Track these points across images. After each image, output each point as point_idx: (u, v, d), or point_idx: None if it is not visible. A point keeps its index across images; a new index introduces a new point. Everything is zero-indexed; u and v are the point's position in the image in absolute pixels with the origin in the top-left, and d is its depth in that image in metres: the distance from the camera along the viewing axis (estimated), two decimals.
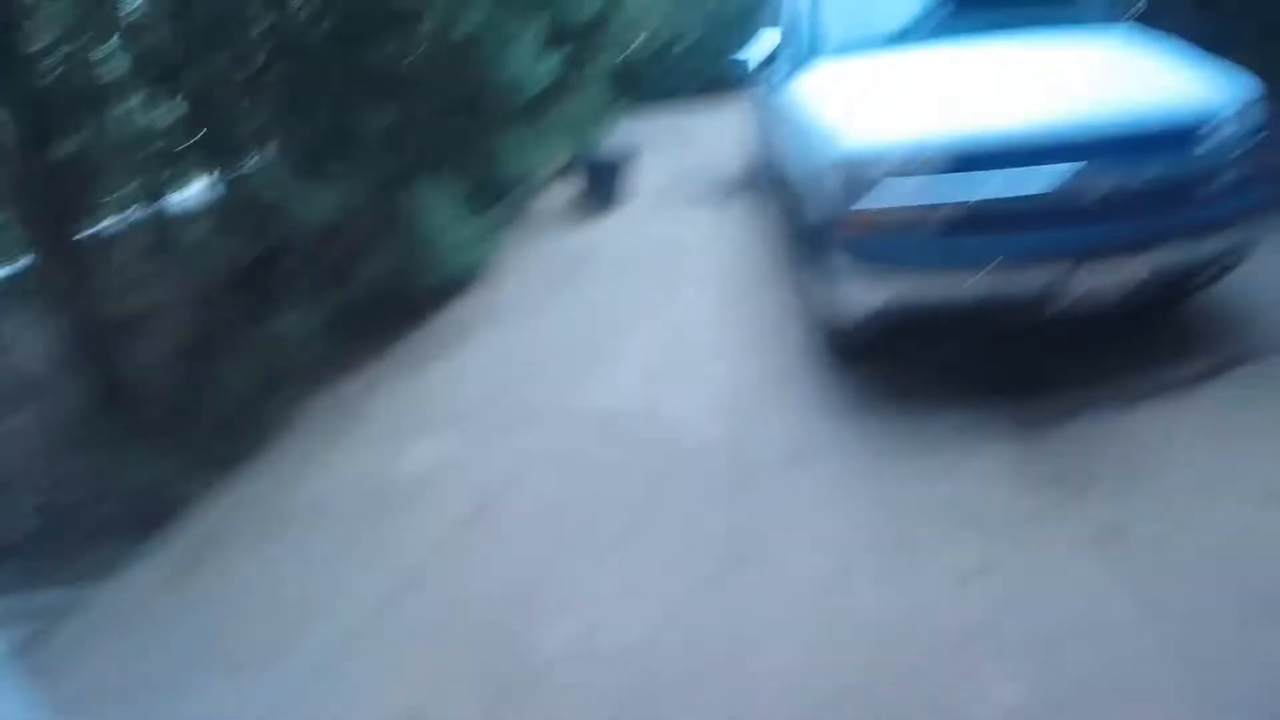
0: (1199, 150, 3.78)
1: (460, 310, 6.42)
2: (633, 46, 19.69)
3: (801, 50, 5.33)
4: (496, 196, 7.95)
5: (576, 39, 9.74)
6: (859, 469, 3.69)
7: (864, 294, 3.89)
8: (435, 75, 7.20)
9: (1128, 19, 5.30)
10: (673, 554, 3.33)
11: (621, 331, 5.54)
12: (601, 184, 9.02)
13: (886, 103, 4.13)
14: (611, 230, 8.23)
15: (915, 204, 3.70)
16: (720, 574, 3.19)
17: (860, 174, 3.75)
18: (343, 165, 6.21)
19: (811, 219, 4.32)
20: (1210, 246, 3.87)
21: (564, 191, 9.49)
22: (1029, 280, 3.69)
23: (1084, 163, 3.61)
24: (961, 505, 3.35)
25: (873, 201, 3.74)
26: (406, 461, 4.34)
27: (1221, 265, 4.03)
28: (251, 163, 5.64)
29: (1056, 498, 3.32)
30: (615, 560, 3.36)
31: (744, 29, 16.49)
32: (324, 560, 3.72)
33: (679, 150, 11.51)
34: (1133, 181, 3.67)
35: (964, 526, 3.24)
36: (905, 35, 5.10)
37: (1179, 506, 3.19)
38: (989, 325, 4.02)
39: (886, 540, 3.23)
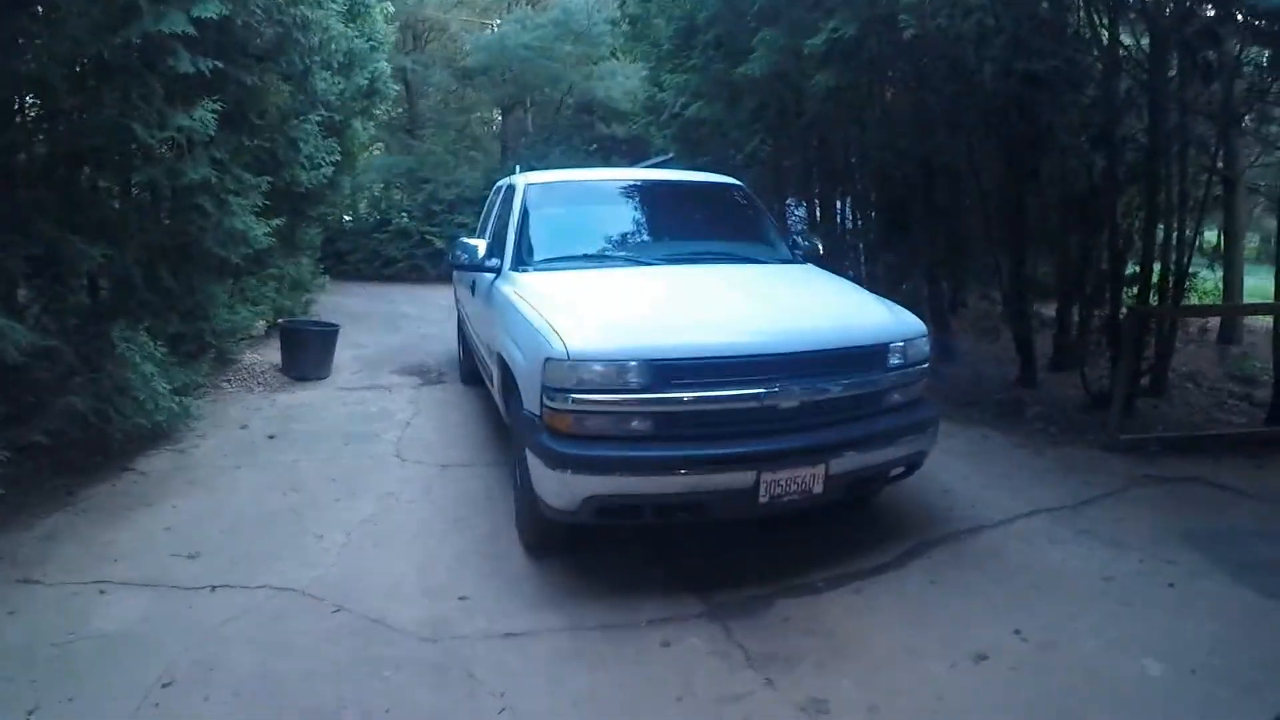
0: (879, 370, 4.43)
1: (156, 463, 6.06)
2: (354, 217, 19.88)
3: (520, 254, 5.64)
4: (204, 349, 7.70)
5: (293, 207, 9.78)
6: (568, 650, 3.78)
7: (567, 486, 4.07)
8: (152, 219, 7.02)
9: (805, 258, 6.03)
10: None
11: (324, 501, 5.46)
12: (309, 351, 8.92)
13: (596, 313, 4.46)
14: (319, 399, 8.13)
15: (618, 407, 4.03)
16: None
17: (568, 376, 4.03)
18: (41, 297, 5.89)
19: (519, 412, 4.52)
20: (892, 453, 4.47)
21: (271, 355, 9.27)
22: (727, 481, 4.04)
23: (776, 377, 4.09)
24: (675, 684, 3.51)
25: (578, 402, 4.03)
26: (96, 619, 3.97)
27: (904, 468, 4.65)
28: None
29: (766, 675, 3.56)
30: None
31: (466, 214, 17.12)
32: None
33: (391, 326, 11.62)
34: (819, 396, 4.20)
35: (680, 702, 3.40)
36: (609, 257, 5.58)
37: (882, 676, 3.54)
38: (691, 519, 4.27)
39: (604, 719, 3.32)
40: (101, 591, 4.27)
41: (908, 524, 4.96)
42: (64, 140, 5.94)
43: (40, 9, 5.41)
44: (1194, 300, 7.63)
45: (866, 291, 5.32)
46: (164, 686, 3.50)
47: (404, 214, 19.46)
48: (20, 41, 5.39)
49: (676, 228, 6.27)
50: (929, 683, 3.47)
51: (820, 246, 6.39)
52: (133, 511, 5.23)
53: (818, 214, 10.99)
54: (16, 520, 4.99)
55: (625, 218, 6.21)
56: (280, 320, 9.83)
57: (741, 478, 4.03)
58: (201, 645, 3.79)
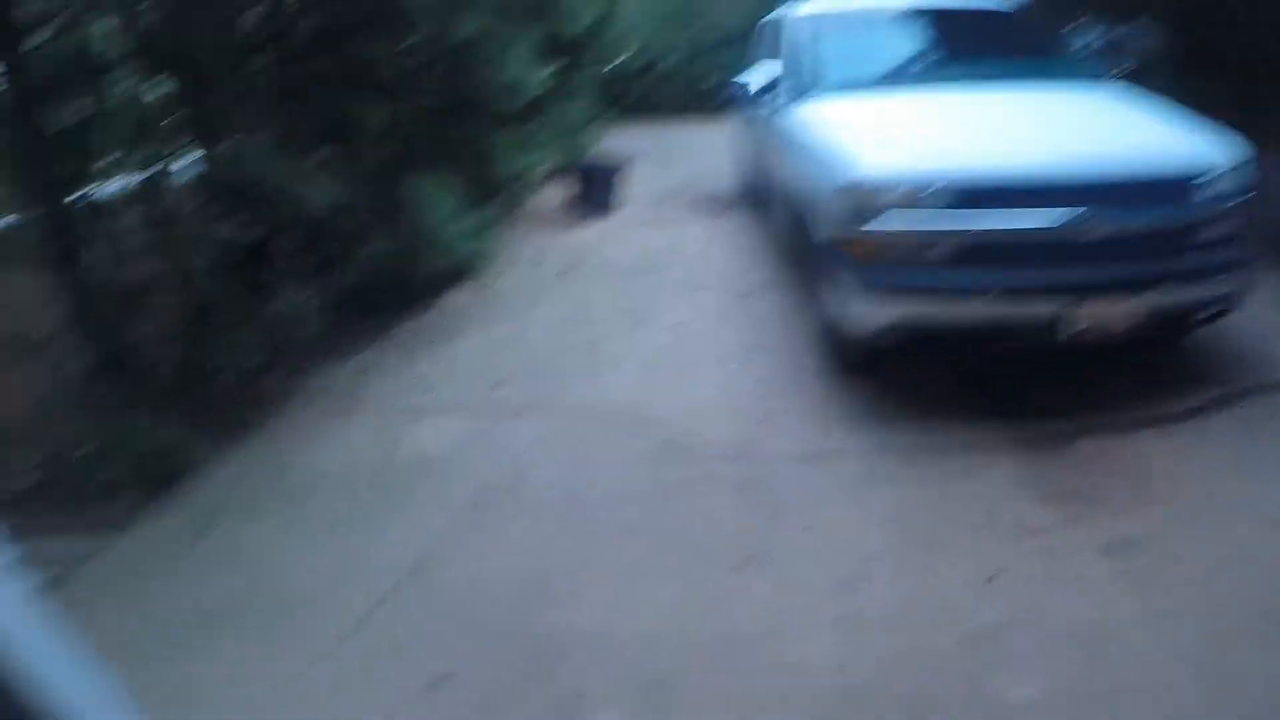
0: (1194, 202, 3.98)
1: (456, 301, 6.38)
2: (622, 60, 19.82)
3: (805, 83, 5.46)
4: (492, 194, 7.94)
5: (569, 49, 9.80)
6: (872, 472, 3.73)
7: (869, 312, 4.02)
8: (432, 76, 7.20)
9: (1116, 76, 5.48)
10: (683, 549, 3.32)
11: (618, 332, 5.56)
12: (594, 190, 9.05)
13: (893, 136, 4.29)
14: (606, 235, 8.25)
15: (920, 232, 3.86)
16: (734, 569, 3.18)
17: (868, 200, 3.90)
18: (340, 155, 6.19)
19: (817, 240, 4.44)
20: (1202, 292, 4.07)
21: (557, 196, 9.48)
22: (1029, 311, 3.86)
23: (1084, 205, 3.78)
24: (977, 511, 3.41)
25: (879, 227, 3.89)
26: (408, 444, 4.29)
27: (1215, 309, 4.21)
28: (246, 146, 5.55)
29: (1068, 512, 3.39)
30: (625, 553, 3.34)
31: (731, 53, 16.67)
32: (334, 533, 3.63)
33: (669, 163, 11.55)
34: (1130, 226, 3.87)
35: (982, 530, 3.30)
36: (905, 79, 5.30)
37: (1190, 527, 3.27)
38: (993, 349, 4.15)
39: (907, 540, 3.27)
40: (413, 420, 4.56)
41: (1219, 370, 4.48)
42: (332, 17, 6.14)
43: None
44: None
45: (1181, 114, 4.73)
46: (474, 506, 3.72)
47: (672, 54, 19.23)
48: None
49: (965, 51, 5.83)
50: (1242, 540, 3.18)
51: (1126, 67, 5.82)
52: (437, 345, 5.56)
53: (1119, 33, 9.94)
54: (331, 357, 5.39)
55: (909, 44, 5.83)
56: (567, 160, 9.98)
57: (1043, 309, 3.84)
58: (509, 467, 4.01)
